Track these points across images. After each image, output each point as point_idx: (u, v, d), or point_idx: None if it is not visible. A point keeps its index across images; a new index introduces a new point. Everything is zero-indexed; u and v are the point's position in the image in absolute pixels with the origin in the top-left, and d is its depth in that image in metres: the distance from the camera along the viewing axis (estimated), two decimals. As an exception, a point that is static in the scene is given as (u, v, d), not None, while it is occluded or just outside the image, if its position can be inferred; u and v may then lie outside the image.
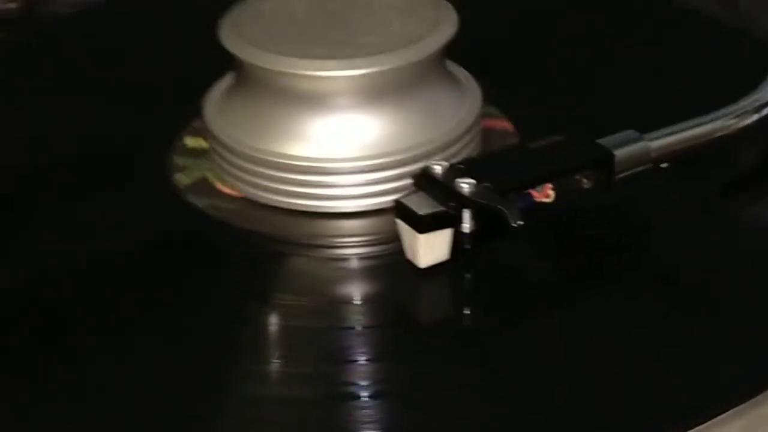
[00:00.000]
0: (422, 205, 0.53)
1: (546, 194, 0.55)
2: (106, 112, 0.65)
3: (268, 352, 0.51)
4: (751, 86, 0.59)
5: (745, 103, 0.59)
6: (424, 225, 0.53)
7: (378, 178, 0.58)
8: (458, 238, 0.54)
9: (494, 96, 0.63)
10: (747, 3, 0.77)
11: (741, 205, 0.59)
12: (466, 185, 0.53)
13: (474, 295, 0.54)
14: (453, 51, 0.60)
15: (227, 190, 0.59)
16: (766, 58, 0.63)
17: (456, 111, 0.60)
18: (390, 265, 0.55)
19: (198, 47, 0.63)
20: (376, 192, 0.58)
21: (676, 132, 0.57)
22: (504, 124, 0.63)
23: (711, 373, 0.49)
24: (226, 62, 0.60)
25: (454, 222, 0.53)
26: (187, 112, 0.62)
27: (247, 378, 0.49)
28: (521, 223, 0.51)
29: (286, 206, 0.58)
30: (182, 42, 0.71)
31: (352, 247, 0.57)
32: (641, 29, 0.71)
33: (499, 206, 0.51)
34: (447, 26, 0.59)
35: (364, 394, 0.48)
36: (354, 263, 0.56)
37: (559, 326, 0.51)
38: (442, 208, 0.53)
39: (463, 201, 0.53)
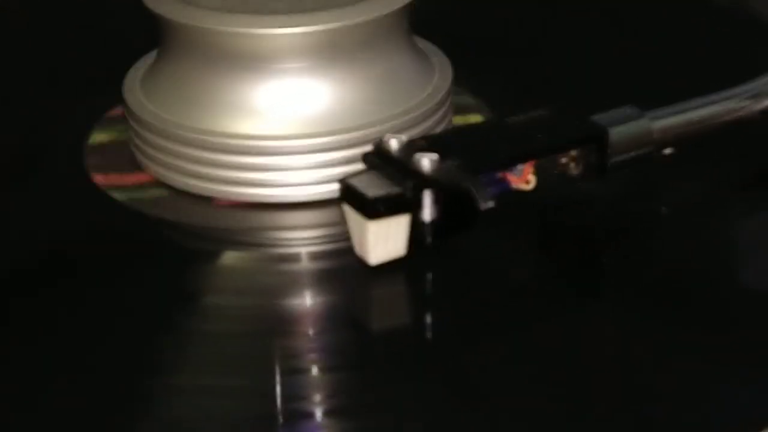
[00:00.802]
0: (373, 186, 0.44)
1: (525, 180, 0.46)
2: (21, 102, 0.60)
3: (198, 363, 0.44)
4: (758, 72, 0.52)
5: (762, 82, 0.50)
6: (374, 210, 0.44)
7: (329, 160, 0.49)
8: (417, 229, 0.45)
9: (472, 84, 0.57)
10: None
11: (756, 200, 0.51)
12: (426, 161, 0.44)
13: (435, 299, 0.46)
14: (429, 34, 0.54)
15: (149, 179, 0.52)
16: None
17: (423, 85, 0.52)
18: (342, 263, 0.48)
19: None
20: (326, 177, 0.49)
21: (683, 111, 0.49)
22: (480, 112, 0.55)
23: (721, 399, 0.42)
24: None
25: (412, 207, 0.44)
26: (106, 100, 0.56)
27: (174, 393, 0.42)
28: (491, 205, 0.42)
29: (219, 195, 0.50)
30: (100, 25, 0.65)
31: (298, 244, 0.49)
32: (639, 14, 0.66)
33: (465, 184, 0.42)
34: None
35: (311, 410, 0.42)
36: (300, 261, 0.49)
37: (536, 338, 0.44)
38: (396, 189, 0.44)
39: (422, 180, 0.43)
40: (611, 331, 0.44)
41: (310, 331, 0.45)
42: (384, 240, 0.45)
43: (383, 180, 0.45)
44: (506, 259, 0.47)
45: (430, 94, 0.51)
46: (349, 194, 0.45)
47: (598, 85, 0.58)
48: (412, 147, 0.45)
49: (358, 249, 0.45)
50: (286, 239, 0.49)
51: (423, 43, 0.54)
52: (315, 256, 0.48)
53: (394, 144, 0.45)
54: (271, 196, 0.50)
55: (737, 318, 0.45)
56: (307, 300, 0.47)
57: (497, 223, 0.46)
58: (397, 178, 0.44)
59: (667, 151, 0.49)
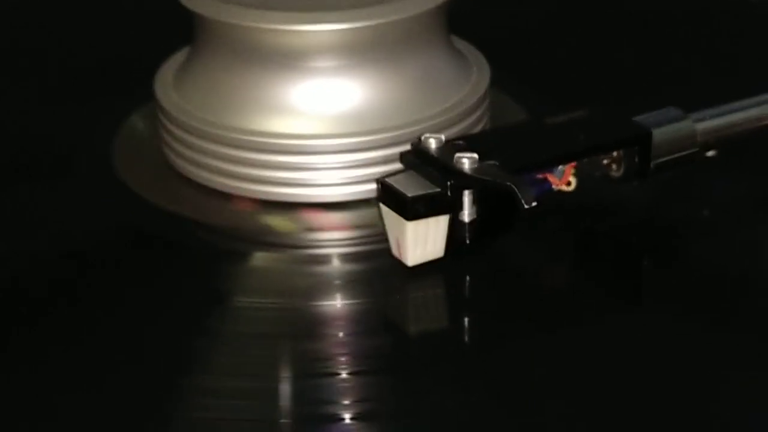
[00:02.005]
0: (412, 186, 0.43)
1: (566, 181, 0.45)
2: (47, 104, 0.58)
3: (229, 365, 0.42)
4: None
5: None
6: (413, 210, 0.43)
7: (364, 160, 0.48)
8: (456, 230, 0.43)
9: (510, 86, 0.55)
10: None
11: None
12: (466, 161, 0.42)
13: (475, 302, 0.45)
14: (467, 34, 0.53)
15: (180, 178, 0.50)
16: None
17: (460, 85, 0.50)
18: (375, 265, 0.46)
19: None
20: (361, 177, 0.48)
21: (727, 113, 0.47)
22: (518, 112, 0.54)
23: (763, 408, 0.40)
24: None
25: (452, 207, 0.43)
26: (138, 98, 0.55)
27: (206, 394, 0.41)
28: (535, 205, 0.40)
29: (251, 195, 0.49)
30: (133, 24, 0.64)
31: (330, 245, 0.48)
32: (681, 16, 0.64)
33: (508, 183, 0.40)
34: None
35: (345, 414, 0.40)
36: (332, 263, 0.47)
37: (578, 344, 0.43)
38: (436, 189, 0.42)
39: (462, 180, 0.42)
40: (649, 336, 0.43)
41: (341, 334, 0.44)
42: (423, 241, 0.43)
43: (422, 180, 0.43)
44: (544, 263, 0.46)
45: (468, 93, 0.50)
46: (386, 194, 0.43)
47: (637, 86, 0.56)
48: (451, 147, 0.44)
49: (395, 250, 0.44)
50: (319, 240, 0.48)
51: (460, 43, 0.53)
52: (347, 258, 0.47)
53: (433, 143, 0.44)
54: (305, 195, 0.48)
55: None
56: (338, 302, 0.45)
57: (535, 226, 0.45)
58: (436, 178, 0.43)
59: (710, 153, 0.47)
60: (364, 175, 0.47)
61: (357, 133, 0.48)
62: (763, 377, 0.41)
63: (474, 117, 0.50)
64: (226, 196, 0.49)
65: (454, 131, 0.49)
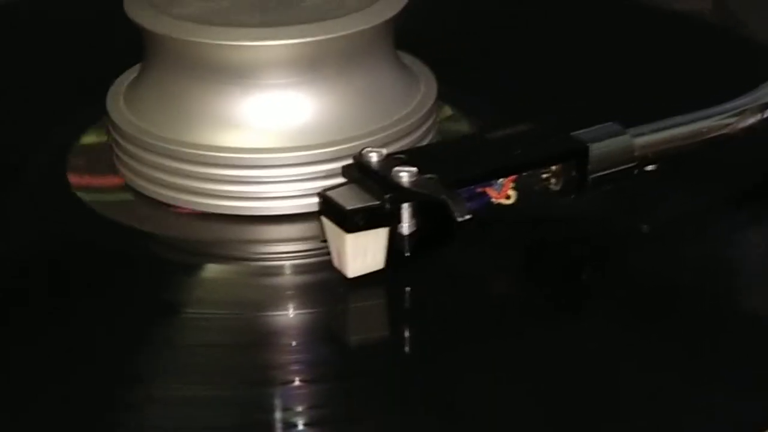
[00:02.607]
0: (351, 199, 0.43)
1: (506, 194, 0.45)
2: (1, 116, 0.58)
3: (179, 375, 0.43)
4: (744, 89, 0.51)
5: (746, 100, 0.49)
6: (352, 222, 0.43)
7: (313, 173, 0.48)
8: (396, 242, 0.44)
9: (457, 97, 0.56)
10: (738, 4, 0.70)
11: (737, 217, 0.50)
12: (405, 174, 0.43)
13: (415, 312, 0.45)
14: (414, 48, 0.53)
15: (132, 192, 0.51)
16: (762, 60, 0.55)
17: (408, 99, 0.51)
18: (325, 277, 0.46)
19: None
20: (310, 190, 0.48)
21: (666, 128, 0.48)
22: (465, 126, 0.54)
23: (701, 412, 0.40)
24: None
25: (390, 220, 0.43)
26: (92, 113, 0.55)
27: (155, 404, 0.41)
28: (468, 217, 0.41)
29: (203, 209, 0.49)
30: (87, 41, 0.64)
31: (281, 257, 0.48)
32: (627, 31, 0.64)
33: (442, 197, 0.41)
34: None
35: (297, 421, 0.41)
36: (283, 274, 0.48)
37: (516, 352, 0.43)
38: (375, 202, 0.42)
39: (400, 193, 0.42)
40: (592, 345, 0.43)
41: (291, 344, 0.44)
42: (362, 253, 0.44)
43: (362, 193, 0.44)
44: (486, 274, 0.46)
45: (415, 108, 0.50)
46: (327, 207, 0.44)
47: (584, 100, 0.57)
48: (392, 161, 0.44)
49: (336, 262, 0.44)
50: (270, 252, 0.48)
51: (408, 58, 0.53)
52: (298, 270, 0.47)
53: (373, 157, 0.44)
54: (256, 208, 0.49)
55: (718, 333, 0.44)
56: (288, 313, 0.46)
57: (477, 238, 0.46)
58: (376, 191, 0.43)
59: (650, 167, 0.48)
60: (314, 188, 0.48)
61: (306, 147, 0.48)
62: (703, 385, 0.41)
63: (422, 130, 0.50)
64: (177, 210, 0.49)
65: (402, 144, 0.49)
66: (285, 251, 0.48)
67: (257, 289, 0.47)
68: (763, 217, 0.50)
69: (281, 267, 0.48)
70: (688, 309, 0.45)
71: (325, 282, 0.46)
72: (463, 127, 0.54)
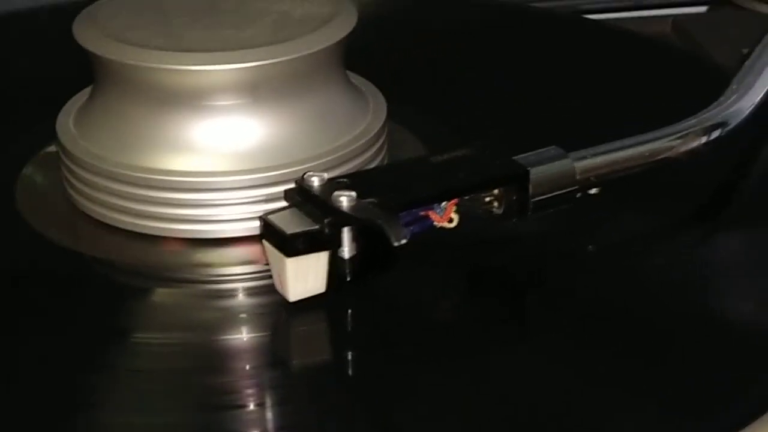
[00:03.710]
0: (292, 223, 0.43)
1: (448, 218, 0.45)
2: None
3: (129, 401, 0.42)
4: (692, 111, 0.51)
5: (689, 123, 0.49)
6: (292, 247, 0.43)
7: (262, 196, 0.48)
8: (338, 266, 0.44)
9: (408, 119, 0.56)
10: (697, 28, 0.69)
11: (679, 238, 0.50)
12: (345, 199, 0.43)
13: (357, 335, 0.45)
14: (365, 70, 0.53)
15: (82, 215, 0.50)
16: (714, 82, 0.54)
17: (357, 121, 0.51)
18: (274, 299, 0.45)
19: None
20: (260, 213, 0.47)
21: (607, 152, 0.47)
22: (416, 147, 0.54)
23: None
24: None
25: (331, 244, 0.43)
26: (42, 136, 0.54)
27: (103, 431, 0.41)
28: (404, 242, 0.41)
29: (152, 232, 0.49)
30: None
31: (231, 280, 0.48)
32: (576, 52, 0.64)
33: (378, 221, 0.41)
34: (343, 21, 0.50)
35: None
36: (232, 297, 0.47)
37: (457, 375, 0.43)
38: (315, 226, 0.42)
39: (340, 217, 0.42)
40: (537, 367, 0.43)
41: (240, 367, 0.44)
42: (303, 277, 0.43)
43: (303, 217, 0.43)
44: (429, 296, 0.46)
45: (364, 130, 0.50)
46: (268, 231, 0.43)
47: (537, 120, 0.57)
48: (333, 185, 0.44)
49: (278, 285, 0.44)
50: (220, 275, 0.48)
51: (358, 79, 0.53)
52: (247, 292, 0.47)
53: (315, 182, 0.44)
54: (206, 231, 0.48)
55: (658, 354, 0.43)
56: (238, 336, 0.45)
57: (420, 261, 0.45)
58: (317, 215, 0.43)
59: (593, 191, 0.48)
60: (263, 211, 0.47)
61: (255, 170, 0.48)
62: (648, 407, 0.41)
63: (371, 151, 0.50)
64: (128, 233, 0.49)
65: (353, 166, 0.49)
66: (235, 274, 0.48)
67: (207, 312, 0.46)
68: (709, 236, 0.50)
69: (231, 290, 0.47)
70: (633, 328, 0.45)
71: (272, 304, 0.45)
72: (415, 146, 0.54)
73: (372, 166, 0.50)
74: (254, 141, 0.48)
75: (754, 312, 0.45)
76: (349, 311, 0.45)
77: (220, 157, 0.48)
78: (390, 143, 0.53)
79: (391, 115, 0.52)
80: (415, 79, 0.60)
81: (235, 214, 0.48)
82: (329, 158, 0.48)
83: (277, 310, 0.45)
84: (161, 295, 0.47)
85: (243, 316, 0.46)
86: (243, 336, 0.45)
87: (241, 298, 0.47)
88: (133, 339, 0.45)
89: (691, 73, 0.61)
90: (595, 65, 0.62)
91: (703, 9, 0.76)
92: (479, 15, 0.67)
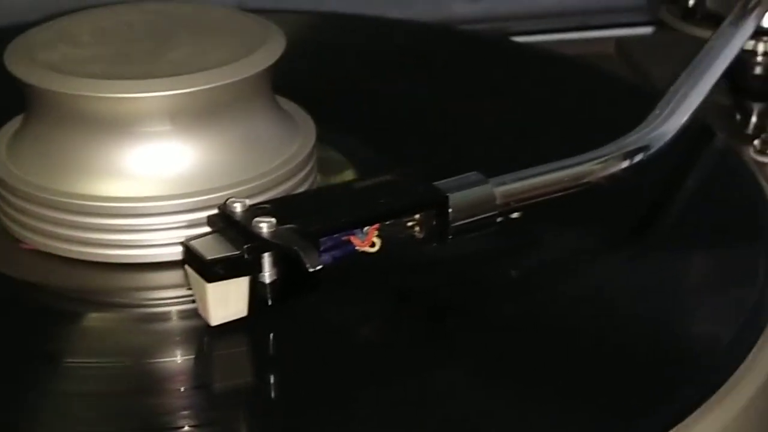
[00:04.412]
0: (213, 249, 0.44)
1: (370, 242, 0.45)
2: None
3: (60, 426, 0.42)
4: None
5: (610, 149, 0.50)
6: (212, 272, 0.43)
7: (192, 221, 0.48)
8: (259, 290, 0.44)
9: (339, 141, 0.56)
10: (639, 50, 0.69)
11: (602, 262, 0.50)
12: (265, 225, 0.43)
13: (280, 358, 0.45)
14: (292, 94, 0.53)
15: (15, 241, 0.50)
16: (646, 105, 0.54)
17: (286, 146, 0.51)
18: (201, 323, 0.46)
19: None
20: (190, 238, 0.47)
21: (528, 177, 0.48)
22: (347, 170, 0.55)
23: None
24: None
25: (251, 270, 0.44)
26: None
27: None
28: (319, 268, 0.42)
29: (84, 257, 0.49)
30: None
31: (162, 304, 0.48)
32: (512, 74, 0.64)
33: (294, 247, 0.41)
34: (271, 48, 0.50)
35: None
36: (163, 321, 0.48)
37: (378, 398, 0.43)
38: (235, 252, 0.43)
39: (259, 243, 0.43)
40: (457, 387, 0.43)
41: (170, 390, 0.44)
42: (224, 301, 0.44)
43: (224, 243, 0.44)
44: (351, 319, 0.46)
45: (293, 154, 0.51)
46: (189, 256, 0.44)
47: (462, 145, 0.57)
48: (255, 211, 0.44)
49: (200, 310, 0.45)
50: (152, 299, 0.48)
51: (287, 103, 0.53)
52: (179, 316, 0.47)
53: (237, 208, 0.45)
54: (138, 256, 0.49)
55: (592, 375, 0.44)
56: (170, 359, 0.46)
57: (342, 285, 0.46)
58: (238, 241, 0.44)
59: (515, 215, 0.48)
60: (193, 235, 0.47)
61: (185, 195, 0.48)
62: (570, 426, 0.42)
63: (300, 175, 0.51)
64: (61, 259, 0.49)
65: (282, 190, 0.50)
66: (167, 297, 0.48)
67: (139, 335, 0.47)
68: (631, 260, 0.50)
69: (163, 313, 0.48)
70: (556, 350, 0.45)
71: (200, 328, 0.45)
72: (345, 170, 0.55)
73: (301, 189, 0.51)
74: (183, 167, 0.49)
75: (672, 331, 0.46)
76: (271, 335, 0.45)
77: (150, 183, 0.48)
78: (322, 166, 0.53)
79: (322, 137, 0.53)
80: (346, 101, 0.60)
81: (166, 239, 0.48)
82: (257, 183, 0.49)
83: (203, 334, 0.45)
84: (93, 319, 0.48)
85: (174, 338, 0.46)
86: (175, 359, 0.45)
87: (171, 321, 0.47)
88: (66, 363, 0.45)
89: (622, 96, 0.61)
90: (524, 88, 0.62)
91: (648, 30, 0.77)
92: (408, 36, 0.67)
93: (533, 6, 0.80)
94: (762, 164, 0.61)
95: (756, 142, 0.62)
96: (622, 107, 0.59)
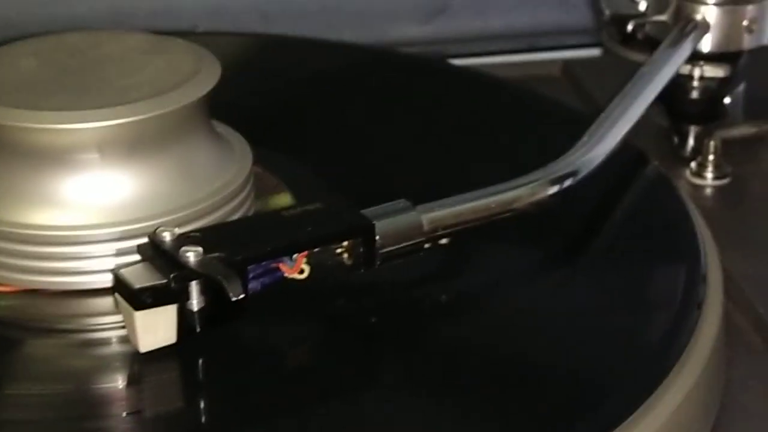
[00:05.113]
0: (142, 278, 0.44)
1: (299, 269, 0.46)
2: None
3: None
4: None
5: (539, 175, 0.50)
6: (140, 300, 0.44)
7: (128, 248, 0.48)
8: (187, 317, 0.45)
9: (276, 165, 0.56)
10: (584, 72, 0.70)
11: (535, 286, 0.51)
12: (192, 254, 0.44)
13: (209, 386, 0.46)
14: (229, 118, 0.53)
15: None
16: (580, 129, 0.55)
17: (222, 173, 0.52)
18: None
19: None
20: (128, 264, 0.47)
21: (455, 204, 0.48)
22: (282, 194, 0.55)
23: None
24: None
25: (178, 298, 0.44)
26: None
27: None
28: (242, 296, 0.42)
29: (23, 285, 0.49)
30: None
31: (101, 329, 0.48)
32: (446, 100, 0.64)
33: (218, 277, 0.42)
34: (206, 77, 0.51)
35: None
36: (102, 346, 0.48)
37: (309, 423, 0.44)
38: (163, 281, 0.43)
39: (186, 272, 0.43)
40: (389, 415, 0.44)
41: (110, 415, 0.45)
42: (153, 329, 0.44)
43: (153, 271, 0.44)
44: (280, 346, 0.47)
45: (228, 181, 0.51)
46: (119, 284, 0.45)
47: (398, 168, 0.57)
48: (184, 239, 0.45)
49: (130, 336, 0.45)
50: (89, 325, 0.49)
51: (224, 129, 0.54)
52: (118, 340, 0.47)
53: (166, 236, 0.45)
54: (75, 283, 0.49)
55: (507, 400, 0.44)
56: (108, 384, 0.46)
57: (271, 311, 0.46)
58: (166, 269, 0.44)
59: (444, 241, 0.49)
60: (127, 263, 0.47)
61: (120, 222, 0.49)
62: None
63: (236, 202, 0.51)
64: None
65: (217, 216, 0.50)
66: (105, 323, 0.48)
67: (79, 360, 0.47)
68: (559, 283, 0.51)
69: (102, 339, 0.48)
70: (482, 373, 0.46)
71: (133, 354, 0.46)
72: (283, 194, 0.55)
73: (237, 215, 0.51)
74: (116, 195, 0.49)
75: (596, 351, 0.47)
76: (200, 360, 0.46)
77: (82, 212, 0.49)
78: (260, 189, 0.53)
79: (261, 161, 0.53)
80: (284, 124, 0.61)
81: (99, 267, 0.48)
82: (191, 210, 0.49)
83: (133, 360, 0.46)
84: (31, 346, 0.48)
85: (115, 364, 0.47)
86: (116, 384, 0.46)
87: (110, 346, 0.48)
88: (6, 390, 0.45)
89: (559, 120, 0.61)
90: (459, 112, 0.62)
91: (596, 52, 0.78)
92: (347, 59, 0.68)
93: (484, 28, 0.80)
94: (698, 186, 0.62)
95: (692, 164, 0.63)
96: (560, 131, 0.59)
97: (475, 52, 0.77)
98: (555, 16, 0.79)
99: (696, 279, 0.49)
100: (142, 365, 0.45)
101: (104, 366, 0.47)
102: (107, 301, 0.48)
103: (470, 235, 0.49)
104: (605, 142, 0.53)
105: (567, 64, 0.75)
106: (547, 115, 0.62)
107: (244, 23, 0.76)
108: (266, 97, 0.63)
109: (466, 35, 0.79)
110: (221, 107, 0.53)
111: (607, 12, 0.69)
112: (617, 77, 0.60)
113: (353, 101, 0.63)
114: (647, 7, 0.65)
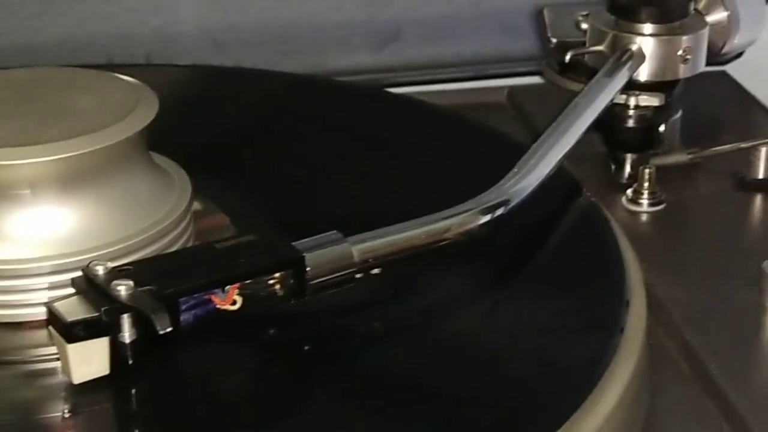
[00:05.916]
0: (74, 311, 0.45)
1: (231, 301, 0.46)
2: None
3: None
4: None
5: (470, 205, 0.51)
6: (72, 333, 0.44)
7: (64, 282, 0.48)
8: (120, 349, 0.45)
9: (214, 195, 0.56)
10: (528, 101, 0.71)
11: (463, 311, 0.51)
12: (123, 288, 0.44)
13: (142, 416, 0.46)
14: (170, 150, 0.54)
15: None
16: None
17: (161, 204, 0.52)
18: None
19: None
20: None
21: (386, 235, 0.49)
22: (224, 223, 0.55)
23: None
24: None
25: (110, 330, 0.45)
26: None
27: None
28: (169, 330, 0.43)
29: None
30: None
31: (45, 360, 0.48)
32: (384, 129, 0.64)
33: (146, 310, 0.42)
34: (142, 112, 0.51)
35: None
36: (47, 377, 0.48)
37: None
38: (94, 314, 0.44)
39: (117, 305, 0.44)
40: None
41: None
42: (86, 361, 0.45)
43: (86, 305, 0.45)
44: (214, 374, 0.47)
45: (166, 213, 0.51)
46: (52, 317, 0.45)
47: (338, 198, 0.58)
48: (116, 273, 0.45)
49: (63, 368, 0.45)
50: (30, 357, 0.49)
51: (164, 161, 0.54)
52: (56, 373, 0.47)
53: (99, 270, 0.46)
54: (18, 315, 0.49)
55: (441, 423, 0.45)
56: (52, 414, 0.46)
57: (206, 341, 0.47)
58: (97, 303, 0.45)
59: (376, 271, 0.49)
60: (65, 296, 0.47)
61: (61, 255, 0.49)
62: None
63: (174, 234, 0.52)
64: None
65: (155, 248, 0.51)
66: (44, 355, 0.48)
67: (24, 391, 0.47)
68: (489, 310, 0.51)
69: (42, 370, 0.48)
70: (417, 396, 0.46)
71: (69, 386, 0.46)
72: (224, 225, 0.55)
73: (176, 246, 0.52)
74: (53, 229, 0.49)
75: (519, 375, 0.47)
76: (133, 391, 0.46)
77: (21, 245, 0.49)
78: (200, 220, 0.54)
79: (201, 192, 0.54)
80: (224, 154, 0.61)
81: (35, 300, 0.49)
82: (127, 243, 0.50)
83: (68, 393, 0.46)
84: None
85: (60, 394, 0.47)
86: (57, 414, 0.46)
87: (55, 377, 0.47)
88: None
89: (497, 148, 0.62)
90: (399, 141, 0.63)
91: (540, 80, 0.78)
92: (290, 89, 0.68)
93: (434, 55, 0.81)
94: (634, 213, 0.63)
95: (629, 191, 0.63)
96: (499, 159, 0.59)
97: (426, 80, 0.77)
98: (503, 44, 0.80)
99: (619, 304, 0.49)
100: (78, 396, 0.46)
101: (43, 397, 0.47)
102: (44, 334, 0.48)
103: (404, 263, 0.50)
104: (536, 171, 0.53)
105: (511, 91, 0.76)
106: (486, 142, 0.62)
107: (197, 52, 0.76)
108: (206, 128, 0.63)
109: (418, 63, 0.80)
110: (163, 139, 0.53)
111: (553, 40, 0.69)
112: (560, 104, 0.61)
113: (293, 131, 0.64)
114: (586, 38, 0.66)
